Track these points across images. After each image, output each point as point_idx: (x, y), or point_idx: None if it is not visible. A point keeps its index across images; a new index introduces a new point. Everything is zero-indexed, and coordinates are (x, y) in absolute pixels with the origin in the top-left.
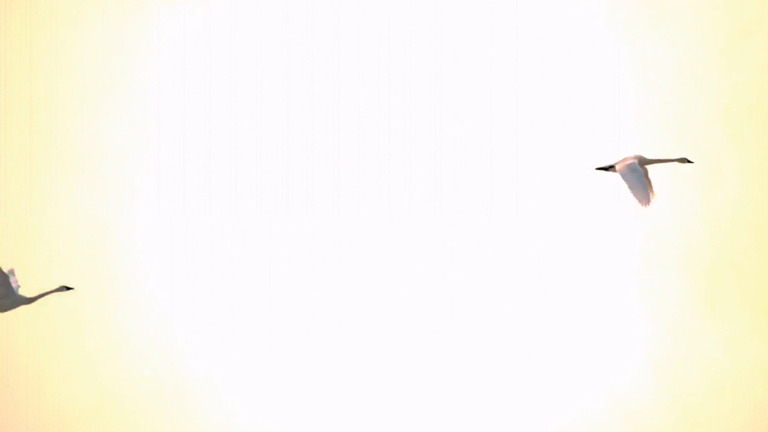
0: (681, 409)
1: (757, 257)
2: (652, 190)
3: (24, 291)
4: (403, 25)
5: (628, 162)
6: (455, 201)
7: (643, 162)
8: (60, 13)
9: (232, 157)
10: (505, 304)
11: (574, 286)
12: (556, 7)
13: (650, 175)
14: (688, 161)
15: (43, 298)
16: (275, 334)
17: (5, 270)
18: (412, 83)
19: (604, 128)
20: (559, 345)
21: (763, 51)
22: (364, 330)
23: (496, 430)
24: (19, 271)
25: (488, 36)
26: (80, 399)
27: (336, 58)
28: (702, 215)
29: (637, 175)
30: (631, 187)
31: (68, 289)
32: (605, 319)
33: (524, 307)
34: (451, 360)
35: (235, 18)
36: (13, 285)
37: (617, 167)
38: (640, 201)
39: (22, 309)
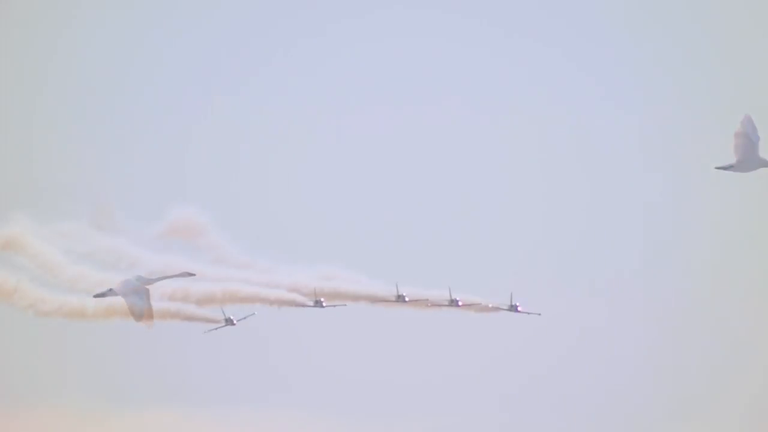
0: (681, 409)
1: (756, 258)
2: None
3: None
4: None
5: (749, 159)
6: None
7: (764, 164)
8: (60, 14)
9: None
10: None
11: (573, 286)
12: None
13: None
14: None
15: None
16: None
17: (133, 276)
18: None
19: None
20: (558, 344)
21: (759, 52)
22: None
23: (493, 412)
24: None
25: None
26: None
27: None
28: (702, 216)
29: (754, 165)
30: (742, 169)
31: (191, 275)
32: (605, 318)
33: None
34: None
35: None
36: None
37: (737, 164)
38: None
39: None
